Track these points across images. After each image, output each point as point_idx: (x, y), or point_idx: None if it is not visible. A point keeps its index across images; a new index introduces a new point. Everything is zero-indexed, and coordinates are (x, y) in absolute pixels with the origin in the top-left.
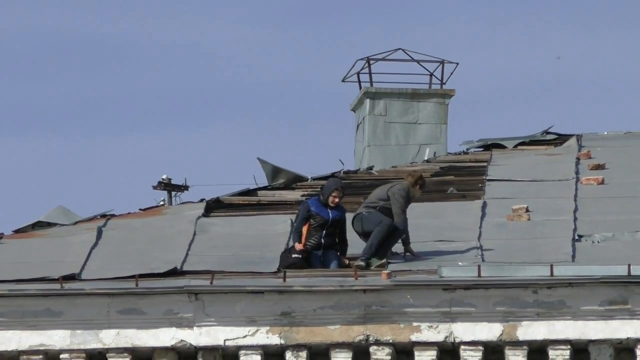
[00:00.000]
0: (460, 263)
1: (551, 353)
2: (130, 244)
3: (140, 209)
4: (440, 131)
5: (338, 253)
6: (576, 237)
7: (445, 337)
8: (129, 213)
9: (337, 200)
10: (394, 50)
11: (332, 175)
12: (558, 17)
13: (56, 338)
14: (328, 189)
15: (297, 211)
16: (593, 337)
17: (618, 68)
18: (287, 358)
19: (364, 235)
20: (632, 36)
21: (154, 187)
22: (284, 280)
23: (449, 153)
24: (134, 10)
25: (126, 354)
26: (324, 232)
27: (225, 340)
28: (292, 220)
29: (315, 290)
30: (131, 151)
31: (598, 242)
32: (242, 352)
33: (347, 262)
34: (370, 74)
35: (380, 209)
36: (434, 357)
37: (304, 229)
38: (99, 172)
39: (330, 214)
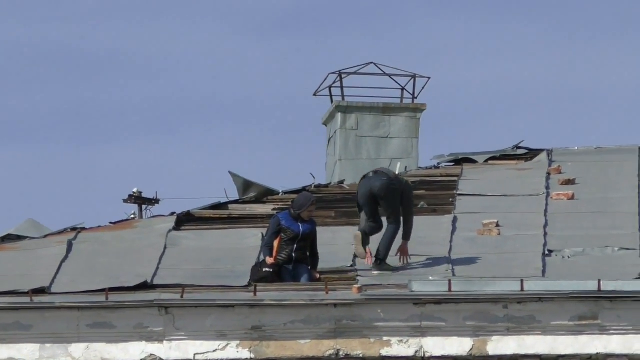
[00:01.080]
0: (430, 277)
1: None
2: (100, 258)
3: (111, 223)
4: (411, 145)
5: (309, 267)
6: (546, 252)
7: (416, 352)
8: (99, 226)
9: (312, 214)
10: (366, 64)
11: (304, 189)
12: (530, 32)
13: (25, 352)
14: (303, 204)
15: (268, 225)
16: (563, 352)
17: (589, 83)
18: None
19: (372, 200)
20: (603, 51)
21: (125, 201)
22: (255, 294)
23: (420, 167)
24: (103, 22)
25: None
26: (295, 246)
27: (195, 355)
28: (263, 234)
29: (286, 304)
30: (102, 164)
31: (568, 257)
32: None
33: (318, 276)
34: (342, 87)
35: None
36: None
37: (275, 243)
38: (69, 185)
39: (301, 228)
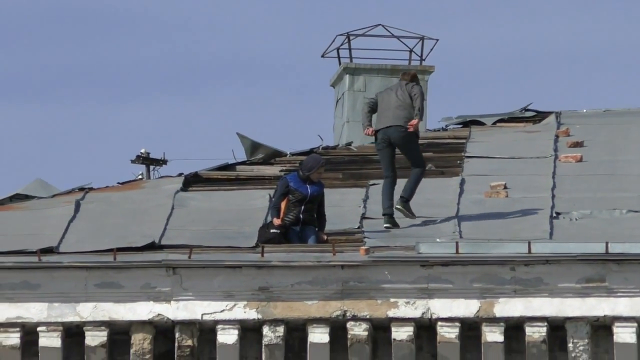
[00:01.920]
0: (438, 240)
1: (528, 330)
2: (108, 218)
3: (119, 183)
4: None
5: (316, 229)
6: (554, 215)
7: (423, 314)
8: (107, 187)
9: (321, 176)
10: (374, 26)
11: (311, 150)
12: None
13: (33, 311)
14: (313, 165)
15: (275, 186)
16: (570, 315)
17: (598, 45)
18: (264, 333)
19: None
20: (613, 12)
21: (132, 161)
22: (262, 256)
23: (428, 129)
24: None
25: (103, 328)
26: (303, 207)
27: (202, 315)
28: (270, 196)
29: (293, 266)
30: (110, 124)
31: (576, 219)
32: (219, 326)
33: (325, 237)
34: (350, 49)
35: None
36: (411, 333)
37: (282, 205)
38: (78, 145)
39: (309, 190)
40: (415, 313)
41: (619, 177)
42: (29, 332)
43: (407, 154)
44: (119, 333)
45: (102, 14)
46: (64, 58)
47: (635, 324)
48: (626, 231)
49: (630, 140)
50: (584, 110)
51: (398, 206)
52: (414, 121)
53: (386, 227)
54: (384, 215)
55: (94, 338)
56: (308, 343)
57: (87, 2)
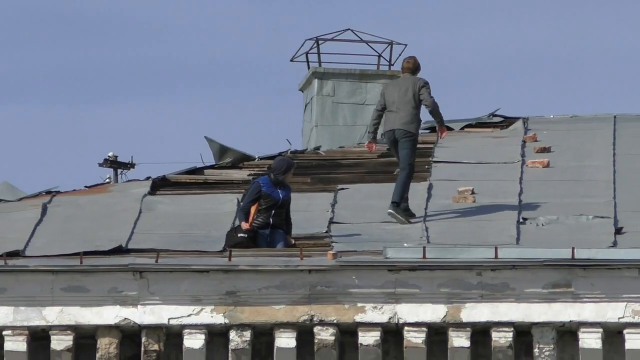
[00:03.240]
0: (405, 244)
1: (494, 335)
2: (75, 221)
3: (86, 186)
4: None
5: (285, 233)
6: (521, 220)
7: (390, 318)
8: (74, 190)
9: (289, 179)
10: (342, 30)
11: (280, 154)
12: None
13: None
14: (287, 168)
15: (243, 190)
16: (536, 320)
17: (565, 51)
18: (231, 337)
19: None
20: (579, 19)
21: (100, 165)
22: (230, 260)
23: None
24: None
25: (69, 332)
26: (273, 212)
27: (169, 319)
28: (238, 200)
29: (261, 270)
30: (77, 127)
31: (542, 225)
32: (186, 330)
33: (293, 241)
34: (318, 54)
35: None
36: (378, 338)
37: (252, 209)
38: (45, 148)
39: (281, 194)
40: (382, 318)
41: (585, 183)
42: None
43: (402, 154)
44: (85, 337)
45: (71, 17)
46: (32, 60)
47: (601, 330)
48: (592, 237)
49: (597, 146)
50: (552, 116)
51: (390, 210)
52: (444, 132)
53: (389, 213)
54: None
55: (60, 342)
56: (275, 348)
57: (56, 4)
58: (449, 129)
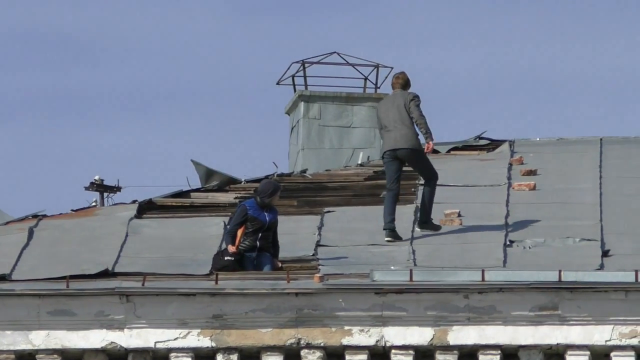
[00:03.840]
0: (392, 267)
1: (481, 358)
2: (61, 245)
3: (72, 210)
4: (374, 135)
5: (271, 256)
6: (507, 243)
7: (377, 341)
8: (60, 214)
9: (276, 202)
10: (329, 53)
11: (266, 177)
12: (491, 21)
13: None
14: (274, 190)
15: (230, 213)
16: (523, 343)
17: (551, 74)
18: None
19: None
20: (565, 42)
21: (86, 188)
22: (216, 283)
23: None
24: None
25: (56, 356)
26: (260, 235)
27: (156, 343)
28: (225, 223)
29: (247, 293)
30: (63, 151)
31: (529, 247)
32: (172, 354)
33: (280, 264)
34: (305, 77)
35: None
36: None
37: (239, 232)
38: (31, 171)
39: (267, 218)
40: (369, 341)
41: (572, 206)
42: None
43: (419, 170)
44: None
45: (55, 39)
46: (17, 82)
47: (588, 352)
48: (579, 259)
49: (584, 168)
50: (538, 139)
51: (418, 229)
52: (429, 145)
53: (388, 241)
54: (384, 229)
55: None
56: None
57: (40, 26)
58: (435, 152)
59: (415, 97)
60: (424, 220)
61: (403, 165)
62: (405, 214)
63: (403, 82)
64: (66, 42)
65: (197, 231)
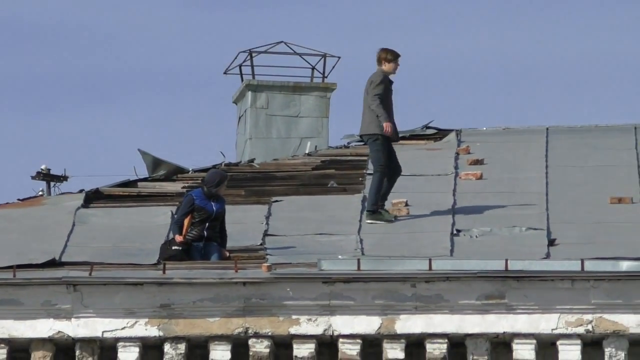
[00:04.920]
0: (340, 256)
1: (428, 347)
2: (8, 235)
3: (19, 199)
4: (321, 125)
5: (219, 245)
6: (455, 232)
7: (324, 330)
8: (7, 203)
9: (223, 191)
10: (276, 43)
11: (214, 167)
12: (437, 9)
13: None
14: (221, 180)
15: (178, 203)
16: (470, 331)
17: (497, 63)
18: (165, 350)
19: None
20: (510, 29)
21: (33, 177)
22: (164, 272)
23: (330, 147)
24: None
25: (3, 345)
26: (207, 224)
27: (103, 332)
28: (172, 212)
29: (195, 283)
30: (9, 139)
31: (476, 236)
32: (120, 344)
33: (227, 254)
34: (252, 66)
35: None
36: (313, 350)
37: (186, 222)
38: None
39: (214, 207)
40: (317, 330)
41: (518, 195)
42: None
43: (370, 156)
44: (19, 350)
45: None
46: None
47: (534, 341)
48: (526, 248)
49: (530, 158)
50: (484, 128)
51: (368, 221)
52: (385, 127)
53: (369, 223)
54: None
55: None
56: None
57: None
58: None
59: (373, 81)
60: (369, 210)
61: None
62: (353, 203)
63: (377, 59)
64: (9, 24)
65: (144, 221)
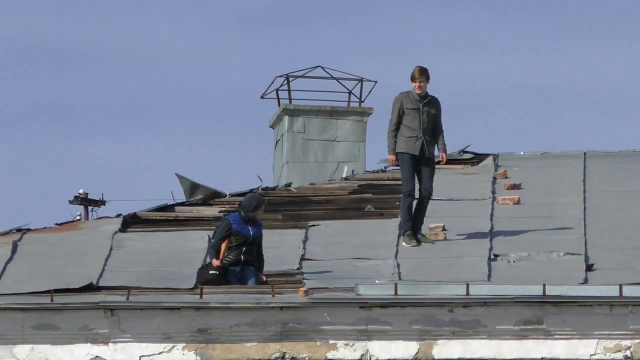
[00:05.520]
0: (377, 281)
1: None
2: (46, 259)
3: (57, 224)
4: (358, 149)
5: (256, 270)
6: (492, 257)
7: (362, 355)
8: (45, 228)
9: (260, 216)
10: (313, 67)
11: (251, 191)
12: (476, 35)
13: None
14: (258, 205)
15: (214, 227)
16: (508, 357)
17: (535, 87)
18: None
19: None
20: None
21: (71, 202)
22: (201, 297)
23: (367, 171)
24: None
25: None
26: (244, 249)
27: (140, 357)
28: (209, 237)
29: (232, 307)
30: (48, 164)
31: (513, 261)
32: None
33: (264, 278)
34: (289, 90)
35: None
36: None
37: (223, 246)
38: (15, 185)
39: (251, 232)
40: (354, 355)
41: (556, 220)
42: None
43: None
44: None
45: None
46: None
47: None
48: (563, 273)
49: (567, 182)
50: (522, 153)
51: (404, 244)
52: (389, 160)
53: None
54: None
55: None
56: None
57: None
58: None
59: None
60: (400, 232)
61: (417, 167)
62: (390, 228)
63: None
64: (49, 52)
65: (181, 245)
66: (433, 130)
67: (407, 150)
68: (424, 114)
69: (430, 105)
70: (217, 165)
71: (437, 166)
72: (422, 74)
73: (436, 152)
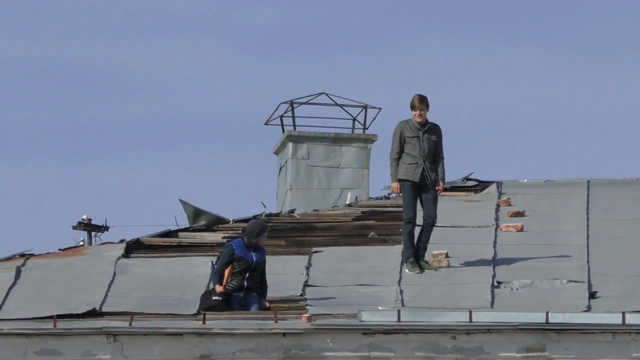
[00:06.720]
0: (380, 307)
1: None
2: (49, 284)
3: (60, 249)
4: (362, 176)
5: (259, 296)
6: (495, 284)
7: None
8: (48, 253)
9: (263, 242)
10: (317, 94)
11: (254, 217)
12: (478, 63)
13: None
14: (261, 231)
15: (218, 253)
16: None
17: (538, 115)
18: None
19: None
20: (552, 83)
21: (74, 227)
22: (204, 323)
23: (371, 198)
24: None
25: None
26: (247, 274)
27: None
28: (212, 262)
29: (235, 333)
30: (51, 190)
31: (517, 288)
32: None
33: (267, 304)
34: (293, 117)
35: None
36: None
37: (226, 272)
38: (18, 210)
39: (254, 257)
40: None
41: (559, 247)
42: None
43: None
44: None
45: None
46: (1, 119)
47: None
48: (566, 301)
49: (571, 210)
50: (525, 180)
51: (406, 271)
52: (392, 188)
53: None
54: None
55: None
56: None
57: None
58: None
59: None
60: (403, 259)
61: (419, 194)
62: (393, 254)
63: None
64: (52, 77)
65: (184, 271)
66: (434, 157)
67: (407, 177)
68: (424, 141)
69: (430, 132)
70: (221, 191)
71: (441, 193)
72: (422, 102)
73: None
